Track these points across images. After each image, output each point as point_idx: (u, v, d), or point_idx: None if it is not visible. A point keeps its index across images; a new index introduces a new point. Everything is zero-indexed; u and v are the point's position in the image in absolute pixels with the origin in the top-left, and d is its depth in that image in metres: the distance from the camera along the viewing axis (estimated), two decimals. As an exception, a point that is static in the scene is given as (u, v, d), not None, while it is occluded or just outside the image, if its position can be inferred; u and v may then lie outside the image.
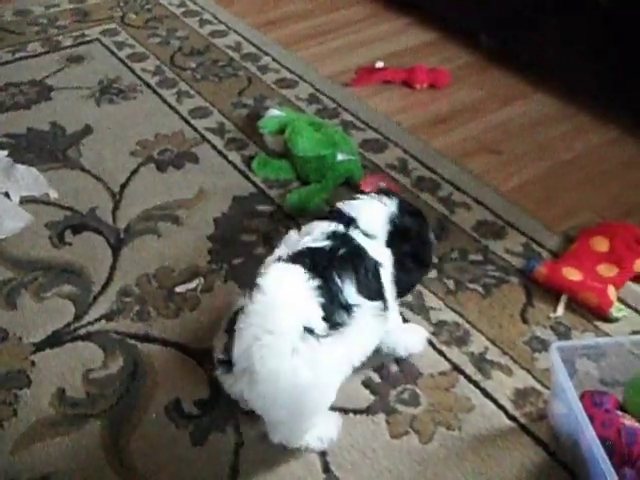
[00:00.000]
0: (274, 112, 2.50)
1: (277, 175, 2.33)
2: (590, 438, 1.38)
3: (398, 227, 1.63)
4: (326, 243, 1.52)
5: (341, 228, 1.57)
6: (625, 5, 2.40)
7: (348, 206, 1.64)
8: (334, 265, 1.48)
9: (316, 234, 1.55)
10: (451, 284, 1.97)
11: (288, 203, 2.20)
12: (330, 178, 2.25)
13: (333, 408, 1.61)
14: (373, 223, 1.61)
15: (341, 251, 1.51)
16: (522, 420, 1.63)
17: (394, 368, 1.74)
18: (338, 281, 1.46)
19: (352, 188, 2.27)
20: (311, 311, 1.39)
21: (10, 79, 2.89)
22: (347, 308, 1.46)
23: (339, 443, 1.58)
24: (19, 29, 3.29)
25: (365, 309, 1.50)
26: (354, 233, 1.57)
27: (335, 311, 1.44)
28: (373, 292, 1.53)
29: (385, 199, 1.67)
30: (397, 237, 1.63)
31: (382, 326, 1.58)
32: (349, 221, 1.59)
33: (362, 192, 1.87)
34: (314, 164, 2.26)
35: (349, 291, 1.48)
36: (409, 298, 1.90)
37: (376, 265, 1.56)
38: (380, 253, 1.59)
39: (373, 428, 1.61)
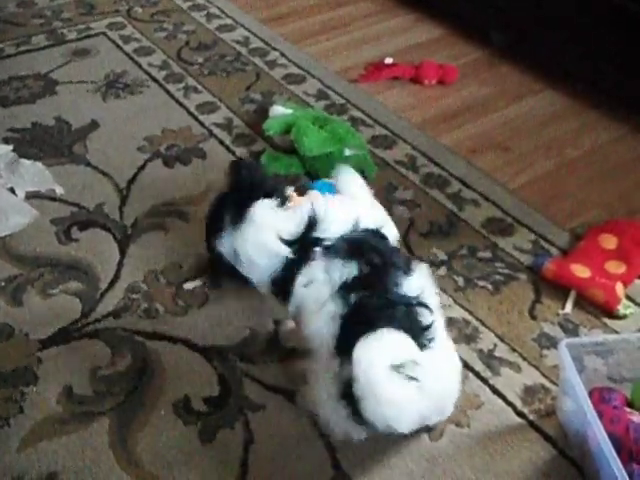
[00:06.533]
0: (278, 109, 2.50)
1: (287, 170, 2.32)
2: (599, 434, 1.38)
3: None
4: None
5: None
6: (636, 2, 2.39)
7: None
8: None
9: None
10: (460, 281, 1.96)
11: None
12: (340, 173, 2.24)
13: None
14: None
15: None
16: (531, 417, 1.63)
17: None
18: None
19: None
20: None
21: (14, 73, 2.88)
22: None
23: (348, 440, 1.55)
24: (23, 21, 3.28)
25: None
26: None
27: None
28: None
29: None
30: None
31: None
32: None
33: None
34: (322, 161, 2.25)
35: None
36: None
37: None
38: None
39: (382, 426, 1.61)
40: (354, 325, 1.41)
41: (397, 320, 1.40)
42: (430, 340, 1.42)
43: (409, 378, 1.33)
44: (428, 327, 1.43)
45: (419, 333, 1.41)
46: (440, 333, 1.47)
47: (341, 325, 1.44)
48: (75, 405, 1.65)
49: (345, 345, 1.38)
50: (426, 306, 1.46)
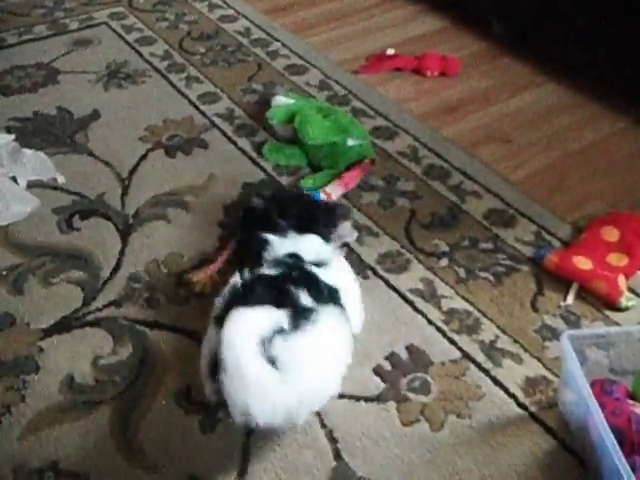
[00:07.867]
0: (280, 99, 2.49)
1: (288, 161, 2.32)
2: (600, 425, 1.37)
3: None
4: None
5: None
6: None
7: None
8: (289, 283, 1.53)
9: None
10: (462, 272, 1.96)
11: (302, 188, 2.20)
12: (342, 163, 2.24)
13: (343, 395, 1.62)
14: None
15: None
16: (532, 408, 1.63)
17: (405, 356, 1.74)
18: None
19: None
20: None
21: (16, 62, 2.87)
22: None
23: (350, 430, 1.57)
24: (24, 11, 3.27)
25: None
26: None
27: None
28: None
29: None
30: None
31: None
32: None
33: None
34: (325, 151, 2.25)
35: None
36: (420, 286, 1.90)
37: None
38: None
39: (384, 416, 1.61)
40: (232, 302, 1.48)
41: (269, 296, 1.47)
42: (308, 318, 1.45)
43: (272, 361, 1.36)
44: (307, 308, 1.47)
45: (296, 312, 1.45)
46: (324, 321, 1.48)
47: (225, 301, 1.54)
48: (76, 394, 1.65)
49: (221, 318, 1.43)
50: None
